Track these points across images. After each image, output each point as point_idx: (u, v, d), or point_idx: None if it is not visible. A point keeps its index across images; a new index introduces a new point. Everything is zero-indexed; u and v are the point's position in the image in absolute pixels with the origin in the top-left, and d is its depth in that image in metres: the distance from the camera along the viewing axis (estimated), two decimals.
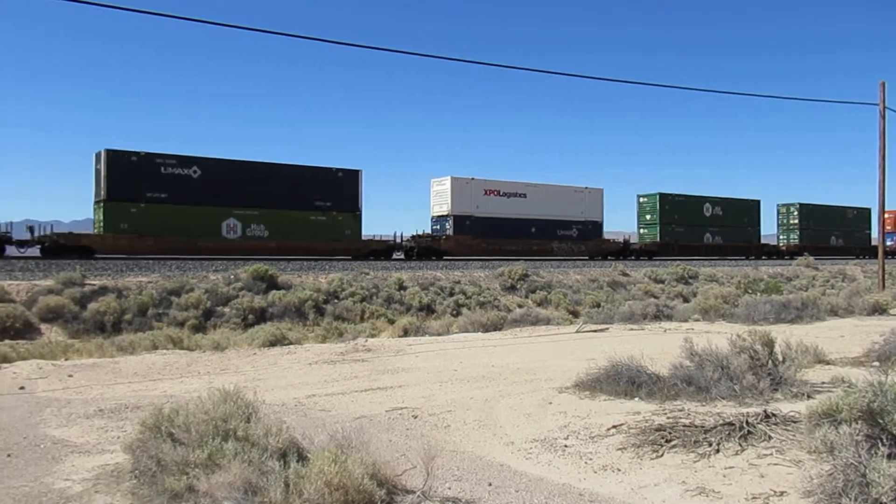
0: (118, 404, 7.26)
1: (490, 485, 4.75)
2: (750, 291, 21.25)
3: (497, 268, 28.07)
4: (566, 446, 5.65)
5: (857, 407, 4.36)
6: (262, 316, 18.90)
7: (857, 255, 50.85)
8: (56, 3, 8.51)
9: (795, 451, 5.05)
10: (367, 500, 3.93)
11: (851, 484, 3.92)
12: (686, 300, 24.68)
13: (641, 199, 50.66)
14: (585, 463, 5.22)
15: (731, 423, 5.60)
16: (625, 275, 30.84)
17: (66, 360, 10.96)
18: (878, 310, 17.77)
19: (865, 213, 63.43)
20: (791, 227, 58.22)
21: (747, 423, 5.57)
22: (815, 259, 49.07)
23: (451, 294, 23.67)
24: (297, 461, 4.14)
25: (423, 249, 38.20)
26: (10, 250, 28.89)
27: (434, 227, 40.81)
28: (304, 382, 8.66)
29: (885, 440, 4.15)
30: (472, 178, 40.73)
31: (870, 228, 63.48)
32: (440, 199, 40.66)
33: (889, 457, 3.97)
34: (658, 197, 49.58)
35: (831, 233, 59.59)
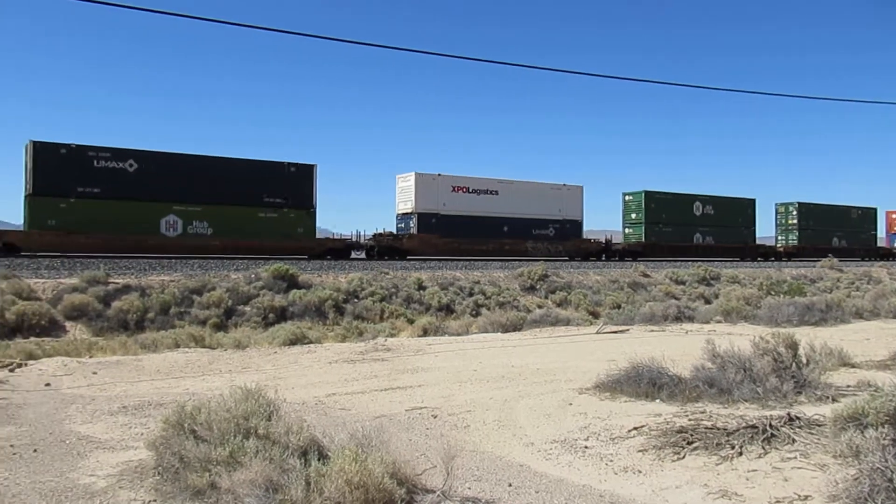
0: (141, 401, 7.35)
1: (510, 485, 4.74)
2: (773, 293, 21.01)
3: (517, 268, 28.00)
4: (586, 447, 5.62)
5: (884, 411, 4.30)
6: (282, 315, 19.00)
7: (861, 257, 47.81)
8: (72, 3, 8.63)
9: (820, 455, 4.98)
10: (388, 499, 3.94)
11: (878, 489, 3.86)
12: (708, 302, 24.44)
13: (627, 198, 48.12)
14: (606, 464, 5.20)
15: (754, 426, 5.54)
16: (645, 276, 30.61)
17: (91, 357, 11.12)
18: None
19: (871, 213, 60.14)
20: (790, 227, 55.16)
21: (771, 425, 5.50)
22: (818, 261, 46.21)
23: (471, 294, 23.64)
24: (318, 459, 4.16)
25: (384, 249, 36.53)
26: None
27: (399, 226, 39.06)
28: (325, 381, 8.70)
29: None
30: (439, 174, 39.10)
31: (876, 229, 60.51)
32: (405, 196, 38.85)
33: None
34: (643, 195, 46.95)
35: (833, 234, 56.30)
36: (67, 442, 5.75)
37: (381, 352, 11.28)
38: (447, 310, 21.89)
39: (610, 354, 10.03)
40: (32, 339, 14.62)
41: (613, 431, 5.99)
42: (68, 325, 16.59)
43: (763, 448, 5.22)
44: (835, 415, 4.70)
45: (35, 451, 5.47)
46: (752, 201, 53.24)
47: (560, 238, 42.62)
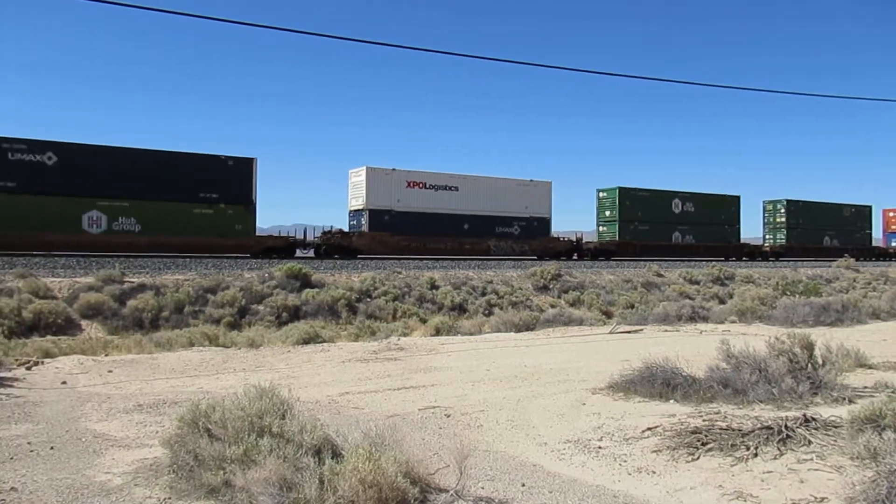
0: (156, 400, 7.40)
1: (523, 485, 4.73)
2: (788, 293, 20.84)
3: (529, 267, 27.95)
4: (600, 447, 5.60)
5: None
6: (295, 314, 19.09)
7: (854, 256, 45.97)
8: (81, 3, 8.70)
9: (836, 457, 4.93)
10: (401, 498, 3.94)
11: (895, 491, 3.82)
12: (722, 301, 24.29)
13: (601, 195, 45.38)
14: (620, 465, 5.17)
15: (769, 427, 5.50)
16: (659, 275, 30.47)
17: (106, 355, 11.22)
18: None
19: (865, 210, 57.44)
20: (778, 225, 52.04)
21: (786, 427, 5.46)
22: (806, 261, 44.77)
23: (483, 294, 23.64)
24: (332, 458, 4.17)
25: (333, 248, 35.01)
26: None
27: (351, 223, 37.42)
28: (338, 380, 8.73)
29: None
30: (394, 169, 37.28)
31: (870, 227, 57.73)
32: (356, 192, 37.18)
33: None
34: (617, 191, 44.22)
35: (825, 232, 53.64)
36: (83, 440, 5.81)
37: (393, 351, 11.30)
38: (460, 309, 21.90)
39: (623, 354, 9.99)
40: (49, 337, 14.79)
41: (627, 432, 5.96)
42: (84, 323, 16.75)
43: (778, 449, 5.18)
44: (852, 416, 4.66)
45: (52, 448, 5.52)
46: (737, 198, 50.17)
47: (526, 237, 40.61)
